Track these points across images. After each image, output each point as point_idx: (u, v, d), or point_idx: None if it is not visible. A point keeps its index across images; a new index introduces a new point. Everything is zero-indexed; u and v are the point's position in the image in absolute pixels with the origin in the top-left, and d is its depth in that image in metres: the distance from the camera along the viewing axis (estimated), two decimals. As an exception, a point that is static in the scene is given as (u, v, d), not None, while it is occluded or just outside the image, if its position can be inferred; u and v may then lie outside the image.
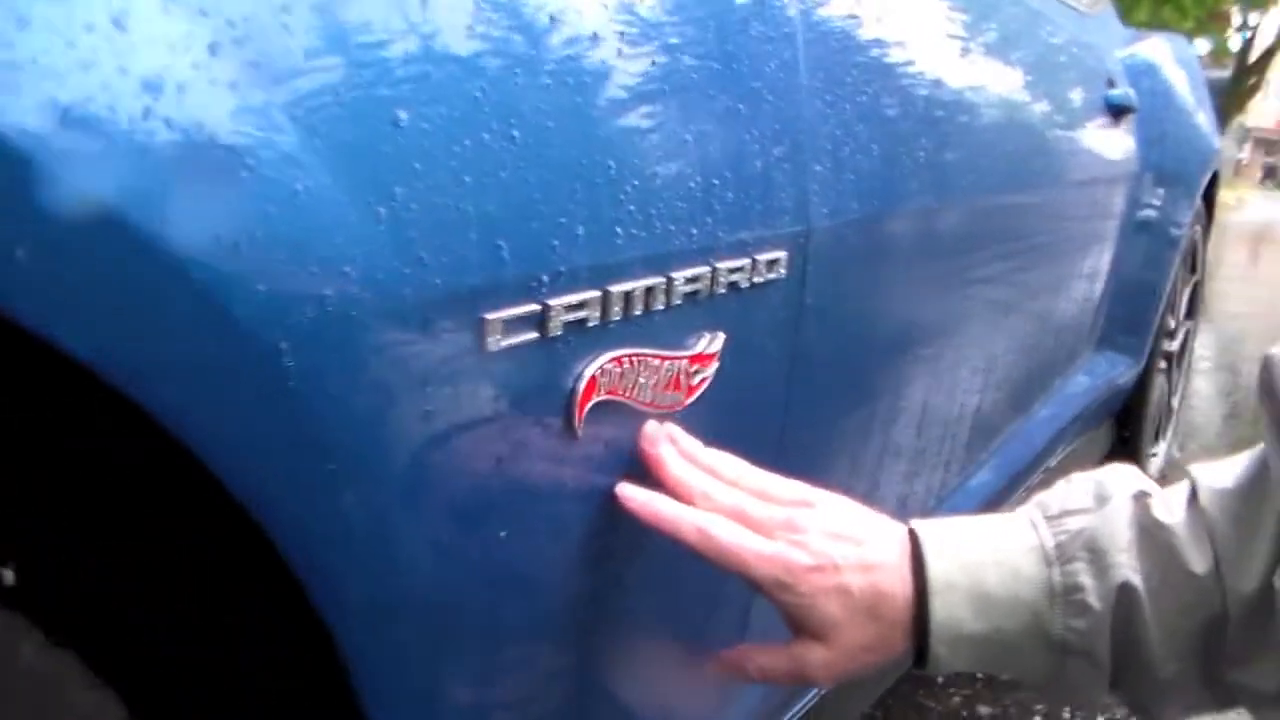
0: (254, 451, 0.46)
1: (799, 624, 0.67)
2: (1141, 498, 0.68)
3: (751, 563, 0.66)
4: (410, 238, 0.50)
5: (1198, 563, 0.65)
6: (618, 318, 0.63)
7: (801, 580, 0.66)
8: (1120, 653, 0.65)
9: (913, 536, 0.70)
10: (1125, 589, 0.65)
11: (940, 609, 0.66)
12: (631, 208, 0.63)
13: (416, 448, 0.53)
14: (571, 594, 0.68)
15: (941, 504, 1.38)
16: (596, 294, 0.61)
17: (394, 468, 0.52)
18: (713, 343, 0.72)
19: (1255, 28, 20.59)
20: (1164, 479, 2.91)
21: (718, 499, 0.69)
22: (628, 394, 0.66)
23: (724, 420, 0.78)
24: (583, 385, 0.62)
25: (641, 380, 0.66)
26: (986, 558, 0.67)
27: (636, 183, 0.64)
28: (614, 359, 0.64)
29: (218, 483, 0.46)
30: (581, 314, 0.60)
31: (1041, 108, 1.57)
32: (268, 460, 0.46)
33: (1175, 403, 3.03)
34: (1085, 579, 0.65)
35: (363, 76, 0.48)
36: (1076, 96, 1.77)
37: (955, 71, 1.20)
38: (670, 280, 0.67)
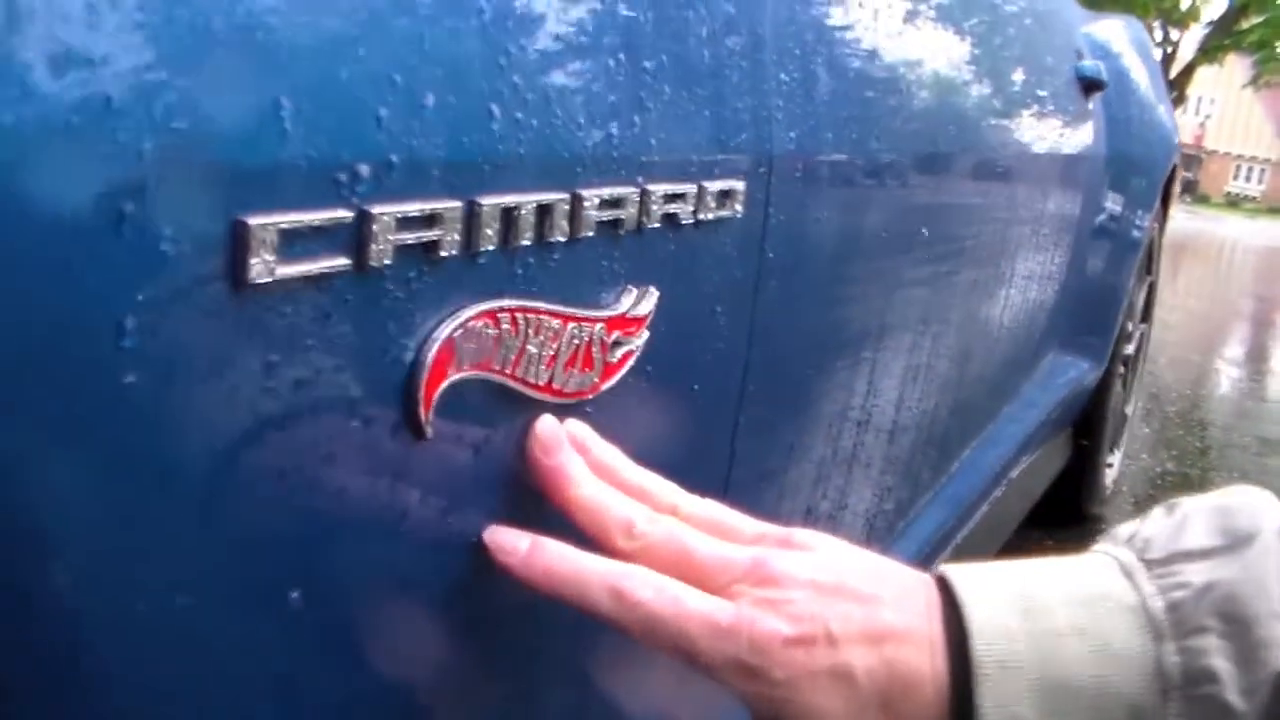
0: None
1: None
2: None
3: (697, 636, 0.42)
4: (87, 58, 0.26)
5: None
6: (492, 247, 0.40)
7: (777, 660, 0.42)
8: None
9: (944, 589, 0.46)
10: None
11: (991, 701, 0.42)
12: (517, 79, 0.40)
13: (114, 459, 0.29)
14: (412, 687, 0.45)
15: (911, 523, 1.16)
16: (456, 205, 0.38)
17: (70, 504, 0.28)
18: (642, 301, 0.50)
19: (1176, 44, 20.85)
20: (1117, 492, 2.74)
21: (645, 533, 0.46)
22: (508, 370, 0.42)
23: (655, 417, 0.55)
24: (432, 354, 0.38)
25: (531, 350, 0.43)
26: (1058, 622, 0.43)
27: (523, 43, 0.41)
28: (485, 314, 0.40)
29: None
30: (431, 235, 0.37)
31: (1022, 70, 1.37)
32: None
33: (1129, 410, 2.86)
34: (1219, 662, 0.41)
35: None
36: (1051, 65, 1.57)
37: (945, 11, 0.99)
38: (578, 200, 0.44)
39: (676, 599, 0.43)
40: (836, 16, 0.72)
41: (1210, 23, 19.65)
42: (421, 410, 0.38)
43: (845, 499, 0.90)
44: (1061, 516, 2.37)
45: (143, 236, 0.28)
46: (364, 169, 0.34)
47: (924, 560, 1.18)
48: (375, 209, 0.34)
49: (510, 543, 0.44)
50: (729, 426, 0.63)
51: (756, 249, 0.60)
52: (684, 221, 0.51)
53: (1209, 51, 19.16)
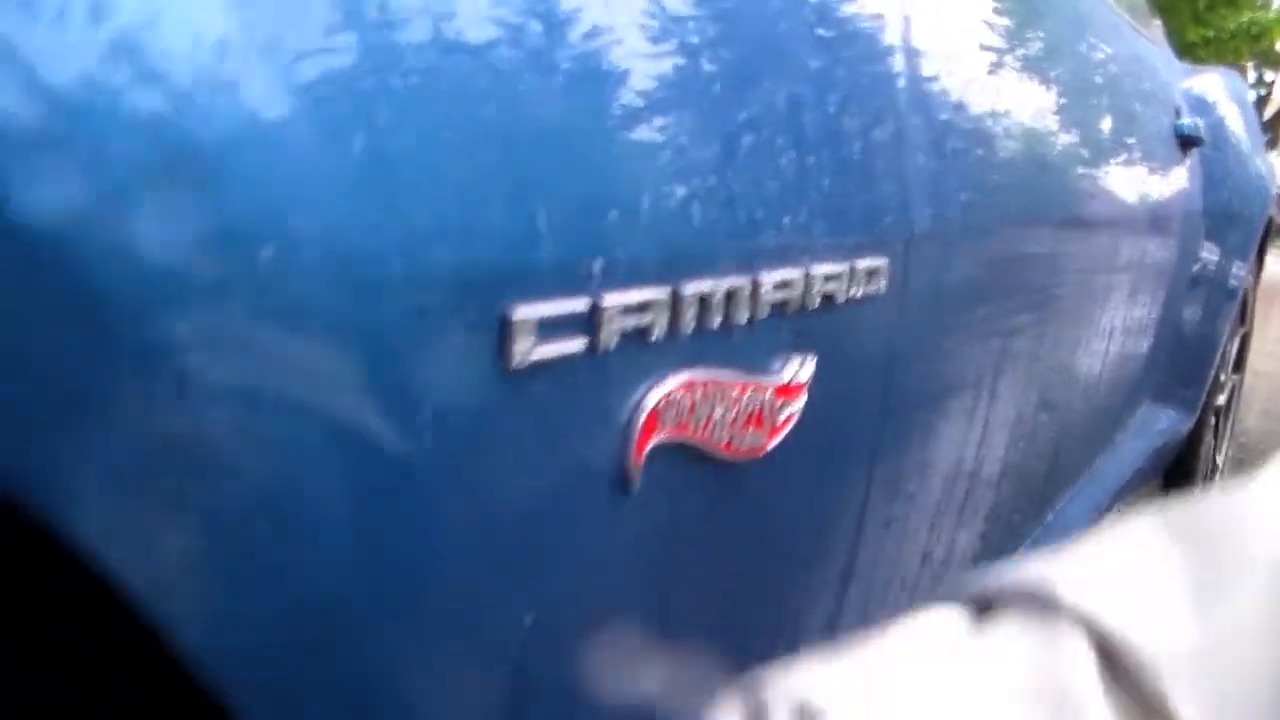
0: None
1: None
2: None
3: None
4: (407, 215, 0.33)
5: None
6: (690, 328, 0.46)
7: None
8: None
9: None
10: None
11: None
12: (712, 179, 0.47)
13: (391, 500, 0.36)
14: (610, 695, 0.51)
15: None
16: (662, 293, 0.44)
17: (349, 530, 0.35)
18: (803, 369, 0.56)
19: (1271, 84, 20.53)
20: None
21: None
22: (699, 434, 0.49)
23: (807, 472, 0.61)
24: (642, 418, 0.45)
25: (717, 415, 0.50)
26: None
27: (718, 149, 0.47)
28: (683, 385, 0.47)
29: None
30: (644, 319, 0.44)
31: (1124, 132, 1.41)
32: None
33: (1220, 459, 2.85)
34: None
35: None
36: (1153, 125, 1.61)
37: (1052, 82, 1.04)
38: (756, 284, 0.50)
39: None
40: (962, 102, 0.78)
41: (1306, 64, 19.34)
42: (631, 467, 0.45)
43: (955, 545, 0.95)
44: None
45: (441, 332, 0.35)
46: (595, 268, 0.41)
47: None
48: (606, 300, 0.41)
49: None
50: (864, 479, 0.69)
51: (895, 317, 0.66)
52: (838, 300, 0.58)
53: (1304, 93, 18.84)
